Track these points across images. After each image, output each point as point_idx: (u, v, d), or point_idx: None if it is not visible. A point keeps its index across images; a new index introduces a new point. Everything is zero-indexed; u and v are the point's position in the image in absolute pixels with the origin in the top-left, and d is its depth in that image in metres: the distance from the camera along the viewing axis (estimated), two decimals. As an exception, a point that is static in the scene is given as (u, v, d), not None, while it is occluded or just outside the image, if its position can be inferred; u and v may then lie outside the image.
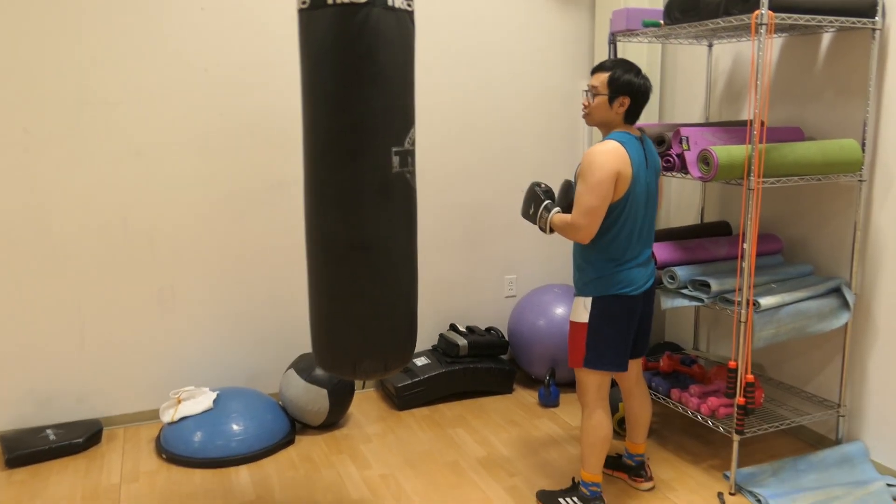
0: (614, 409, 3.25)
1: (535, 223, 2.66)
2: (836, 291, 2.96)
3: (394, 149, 2.17)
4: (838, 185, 3.05)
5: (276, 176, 3.51)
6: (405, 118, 2.20)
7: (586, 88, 2.57)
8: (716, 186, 3.64)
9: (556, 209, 2.60)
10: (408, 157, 2.22)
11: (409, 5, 2.15)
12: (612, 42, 3.28)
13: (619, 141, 2.45)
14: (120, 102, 3.21)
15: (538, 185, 2.67)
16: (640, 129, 2.58)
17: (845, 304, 2.94)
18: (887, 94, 2.83)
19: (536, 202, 2.65)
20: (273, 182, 3.51)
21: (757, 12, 2.55)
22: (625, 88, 2.47)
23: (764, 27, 2.56)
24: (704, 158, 2.74)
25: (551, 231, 2.60)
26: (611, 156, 2.41)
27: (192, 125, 3.33)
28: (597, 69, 2.55)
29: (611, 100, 2.49)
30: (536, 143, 4.03)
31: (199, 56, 3.30)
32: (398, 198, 2.22)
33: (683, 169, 2.89)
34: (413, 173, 2.25)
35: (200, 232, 3.42)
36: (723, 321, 3.67)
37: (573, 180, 2.61)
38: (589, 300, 2.54)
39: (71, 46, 3.11)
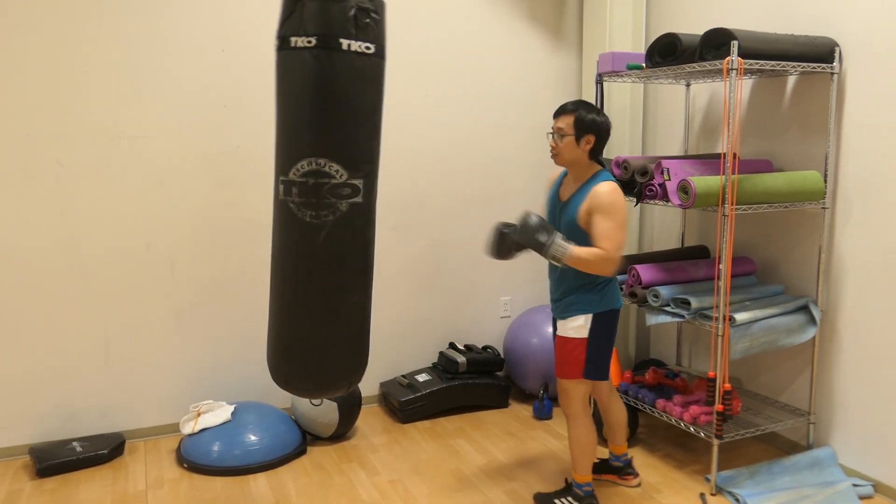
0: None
1: (542, 251, 2.65)
2: (804, 308, 3.25)
3: (280, 178, 2.32)
4: (804, 213, 3.36)
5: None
6: (293, 151, 2.28)
7: (551, 131, 2.78)
8: (695, 213, 3.95)
9: (573, 243, 2.68)
10: (292, 187, 2.28)
11: (308, 42, 2.20)
12: (599, 82, 3.59)
13: (611, 180, 2.71)
14: (145, 136, 3.47)
15: (535, 215, 2.69)
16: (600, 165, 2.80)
17: (812, 320, 3.22)
18: (845, 131, 3.15)
19: (548, 231, 2.66)
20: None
21: (728, 58, 2.88)
22: (590, 128, 2.70)
23: (734, 71, 2.88)
24: (683, 188, 3.04)
25: (559, 262, 2.66)
26: (621, 194, 2.67)
27: (210, 157, 3.60)
28: (560, 112, 2.76)
29: (577, 139, 2.71)
30: (530, 175, 4.32)
31: (219, 94, 3.57)
32: (280, 225, 2.35)
33: (665, 197, 3.18)
34: (300, 205, 2.27)
35: (216, 256, 3.66)
36: (703, 339, 3.95)
37: (575, 216, 2.73)
38: (590, 317, 2.78)
39: (101, 84, 3.37)
